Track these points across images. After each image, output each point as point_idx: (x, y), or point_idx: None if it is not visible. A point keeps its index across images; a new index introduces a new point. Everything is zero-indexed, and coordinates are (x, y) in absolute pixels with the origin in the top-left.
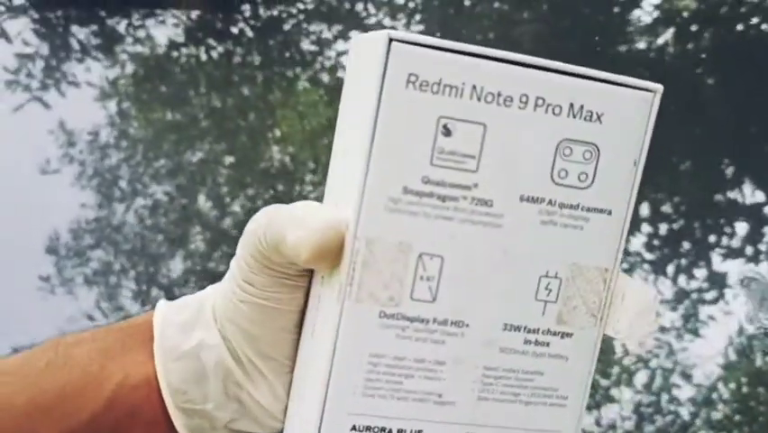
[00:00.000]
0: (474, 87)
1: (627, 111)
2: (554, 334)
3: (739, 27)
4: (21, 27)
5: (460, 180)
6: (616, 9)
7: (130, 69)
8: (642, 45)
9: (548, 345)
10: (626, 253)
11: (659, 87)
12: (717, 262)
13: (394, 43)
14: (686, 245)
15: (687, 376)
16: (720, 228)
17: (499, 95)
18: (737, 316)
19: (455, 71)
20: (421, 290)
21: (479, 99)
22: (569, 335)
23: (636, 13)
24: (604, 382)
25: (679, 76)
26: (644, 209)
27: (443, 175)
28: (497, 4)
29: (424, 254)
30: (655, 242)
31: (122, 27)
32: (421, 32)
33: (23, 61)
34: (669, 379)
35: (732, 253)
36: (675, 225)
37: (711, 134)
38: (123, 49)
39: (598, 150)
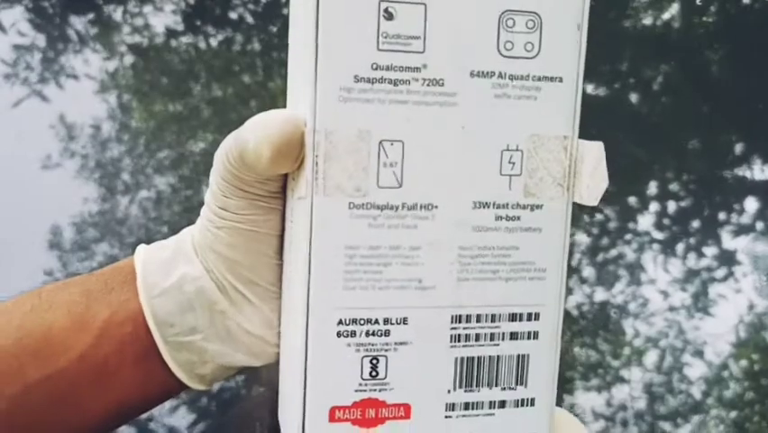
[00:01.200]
0: None
1: None
2: (524, 207)
3: (745, 0)
4: (16, 17)
5: (409, 63)
6: None
7: (129, 60)
8: (647, 21)
9: (519, 219)
10: (635, 232)
11: None
12: (728, 240)
13: None
14: (695, 224)
15: (698, 354)
16: (729, 205)
17: None
18: (747, 293)
19: None
20: (386, 177)
21: None
22: (538, 207)
23: None
24: (614, 363)
25: (685, 51)
26: (652, 188)
27: (392, 59)
28: None
29: (384, 141)
30: (664, 221)
31: (118, 15)
32: None
33: (21, 53)
34: (680, 358)
35: (742, 230)
36: (684, 204)
37: (719, 111)
38: (120, 39)
39: (540, 18)
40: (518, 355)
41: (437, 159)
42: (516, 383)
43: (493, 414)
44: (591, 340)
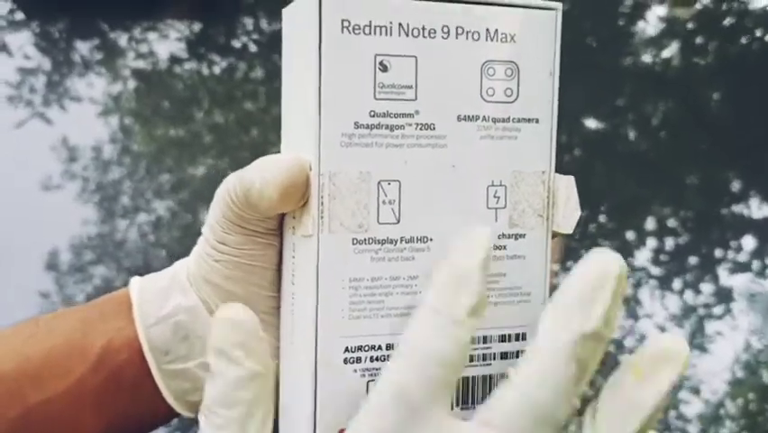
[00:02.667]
0: (401, 24)
1: (536, 29)
2: (509, 237)
3: (743, 40)
4: (22, 41)
5: (402, 110)
6: (620, 22)
7: (132, 84)
8: (647, 58)
9: (505, 248)
10: (632, 267)
11: (559, 5)
12: (725, 277)
13: None
14: (692, 260)
15: (695, 392)
16: (727, 243)
17: (424, 28)
18: (744, 331)
19: (383, 12)
20: (385, 213)
21: (407, 35)
22: (522, 236)
23: (641, 25)
24: None
25: (684, 89)
26: (650, 223)
27: (387, 107)
28: None
29: (382, 181)
30: (662, 256)
31: (123, 41)
32: None
33: (25, 76)
34: (676, 395)
35: (739, 268)
36: (681, 240)
37: (717, 148)
38: (124, 63)
39: (518, 66)
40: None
41: (431, 195)
42: None
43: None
44: None
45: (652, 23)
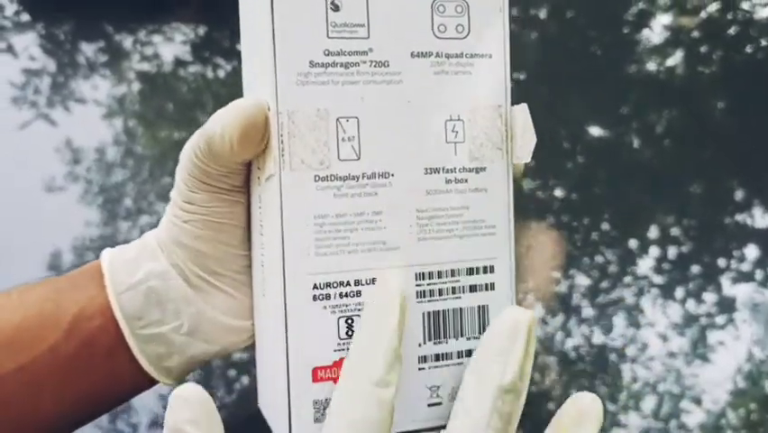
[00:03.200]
0: None
1: None
2: (470, 170)
3: (748, 49)
4: (28, 42)
5: (356, 47)
6: (625, 30)
7: (136, 86)
8: (651, 66)
9: (466, 181)
10: (635, 276)
11: None
12: (727, 287)
13: None
14: (695, 269)
15: (696, 402)
16: (730, 252)
17: None
18: (747, 341)
19: None
20: (346, 150)
21: None
22: (482, 169)
23: (645, 33)
24: (611, 408)
25: (688, 98)
26: (653, 232)
27: (341, 45)
28: None
29: (341, 118)
30: (664, 265)
31: (128, 43)
32: None
33: (30, 77)
34: (677, 404)
35: (742, 278)
36: (684, 249)
37: (721, 157)
38: (129, 66)
39: (467, 3)
40: (479, 306)
41: (389, 131)
42: (479, 332)
43: (462, 363)
44: (589, 383)
45: (656, 31)
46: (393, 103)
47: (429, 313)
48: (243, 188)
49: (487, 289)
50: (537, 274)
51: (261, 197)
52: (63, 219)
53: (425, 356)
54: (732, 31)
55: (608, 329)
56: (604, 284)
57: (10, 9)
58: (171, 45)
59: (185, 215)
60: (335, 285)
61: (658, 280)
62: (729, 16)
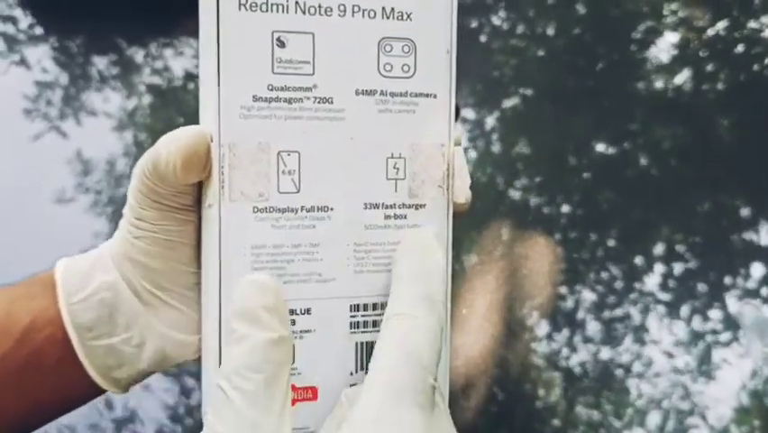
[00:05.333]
0: (297, 2)
1: (432, 8)
2: (409, 207)
3: (755, 67)
4: (41, 55)
5: (301, 84)
6: (632, 48)
7: (147, 99)
8: (659, 84)
9: (405, 217)
10: (640, 292)
11: None
12: (733, 304)
13: None
14: (701, 287)
15: (701, 417)
16: (735, 270)
17: (320, 6)
18: (752, 359)
19: None
20: (286, 183)
21: (303, 12)
22: (422, 206)
23: (653, 51)
24: (617, 424)
25: (695, 116)
26: (659, 249)
27: (285, 81)
28: (513, 41)
29: (282, 152)
30: (670, 282)
31: (140, 57)
32: None
33: (43, 89)
34: (683, 421)
35: (747, 295)
36: (690, 265)
37: (727, 175)
38: (140, 80)
39: (414, 44)
40: None
41: (330, 166)
42: None
43: None
44: (595, 399)
45: (664, 49)
46: (335, 139)
47: (362, 343)
48: (194, 207)
49: None
50: (542, 290)
51: (203, 221)
52: (73, 229)
53: (356, 384)
54: (739, 49)
55: (613, 345)
56: (610, 300)
57: (24, 22)
58: (181, 59)
59: (136, 231)
60: None
61: (664, 297)
62: (736, 35)
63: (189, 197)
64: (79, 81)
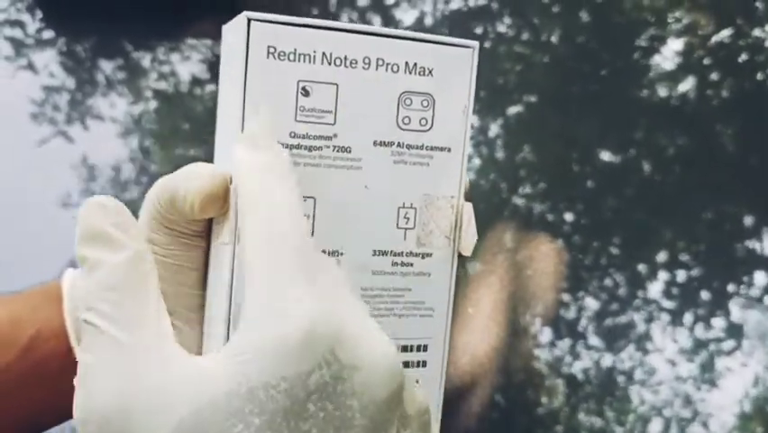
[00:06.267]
0: (324, 53)
1: (453, 65)
2: (416, 255)
3: (759, 76)
4: (48, 59)
5: (321, 132)
6: (636, 55)
7: (153, 105)
8: (663, 92)
9: (412, 265)
10: (644, 300)
11: (475, 44)
12: (736, 312)
13: (253, 23)
14: (704, 294)
15: (703, 425)
16: (739, 278)
17: (346, 58)
18: (754, 367)
19: (307, 42)
20: None
21: (329, 63)
22: (428, 255)
23: (657, 59)
24: (619, 430)
25: (699, 124)
26: (662, 256)
27: (307, 129)
28: (517, 48)
29: None
30: (673, 290)
31: (146, 61)
32: None
33: (50, 94)
34: (685, 429)
35: (751, 304)
36: (693, 273)
37: (731, 183)
38: (147, 84)
39: (433, 99)
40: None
41: (344, 213)
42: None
43: None
44: (597, 406)
45: (668, 57)
46: (351, 187)
47: None
48: (204, 233)
49: (419, 366)
50: (545, 297)
51: (214, 254)
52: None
53: None
54: (743, 57)
55: (616, 353)
56: (613, 307)
57: (32, 27)
58: (188, 64)
59: None
60: None
61: (667, 304)
62: (741, 43)
63: (201, 224)
64: (86, 86)
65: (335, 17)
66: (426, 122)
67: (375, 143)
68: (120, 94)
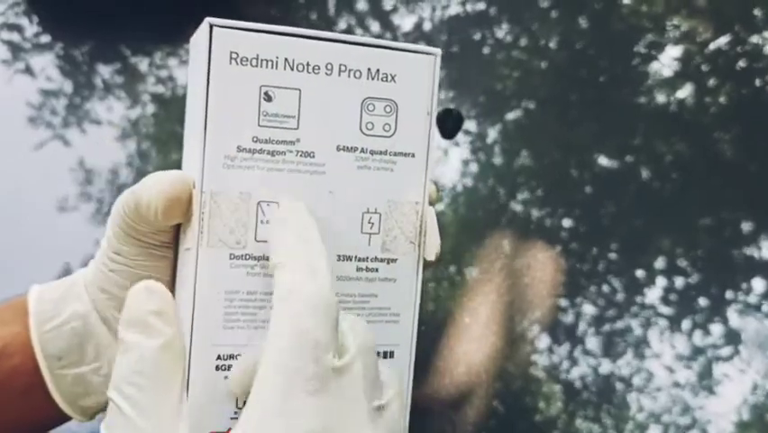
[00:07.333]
0: (287, 59)
1: (415, 72)
2: (381, 261)
3: (757, 82)
4: (45, 63)
5: (284, 137)
6: (634, 62)
7: (151, 109)
8: (661, 98)
9: (377, 270)
10: (642, 306)
11: (438, 51)
12: (734, 319)
13: (215, 29)
14: (702, 301)
15: (702, 432)
16: (737, 284)
17: (308, 64)
18: (752, 373)
19: (270, 48)
20: (263, 232)
21: (292, 69)
22: (393, 260)
23: (655, 66)
24: None
25: (697, 130)
26: (660, 263)
27: (270, 134)
28: (516, 53)
29: (262, 201)
30: (671, 296)
31: (144, 66)
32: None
33: (47, 98)
34: None
35: (749, 310)
36: (691, 280)
37: (729, 189)
38: (144, 88)
39: (396, 105)
40: None
41: None
42: None
43: None
44: (595, 413)
45: (666, 63)
46: (314, 192)
47: None
48: (171, 244)
49: None
50: (543, 303)
51: (179, 262)
52: (74, 238)
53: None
54: (741, 64)
55: (614, 359)
56: (611, 313)
57: (29, 30)
58: (186, 68)
59: (111, 264)
60: (238, 357)
61: (665, 310)
62: (739, 50)
63: (168, 234)
64: (83, 90)
65: (333, 23)
66: (390, 127)
67: (338, 148)
68: (117, 98)
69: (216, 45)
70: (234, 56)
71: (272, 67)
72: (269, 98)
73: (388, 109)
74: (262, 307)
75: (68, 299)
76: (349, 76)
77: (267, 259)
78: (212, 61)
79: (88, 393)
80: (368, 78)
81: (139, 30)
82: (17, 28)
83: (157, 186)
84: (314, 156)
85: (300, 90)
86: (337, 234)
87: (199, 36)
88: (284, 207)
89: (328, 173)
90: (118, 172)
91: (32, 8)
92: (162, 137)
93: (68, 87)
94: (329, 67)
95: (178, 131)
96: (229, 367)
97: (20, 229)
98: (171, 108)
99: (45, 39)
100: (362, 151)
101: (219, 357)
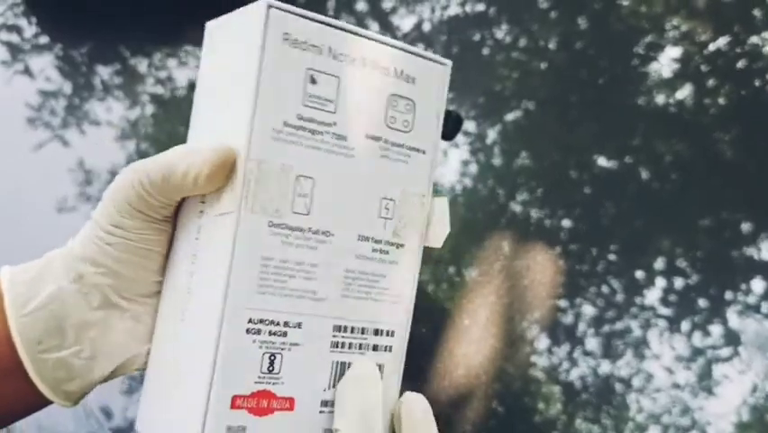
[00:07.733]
0: (330, 48)
1: (432, 77)
2: (392, 244)
3: (756, 83)
4: (45, 64)
5: (324, 119)
6: (634, 62)
7: (150, 109)
8: (660, 99)
9: (388, 252)
10: (641, 307)
11: (449, 62)
12: (734, 320)
13: (272, 9)
14: (701, 302)
15: None
16: (736, 285)
17: (347, 55)
18: (752, 374)
19: (317, 34)
20: (299, 204)
21: (333, 58)
22: (401, 245)
23: (655, 66)
24: None
25: (697, 130)
26: (660, 263)
27: (312, 114)
28: (515, 54)
29: (300, 176)
30: (671, 297)
31: (143, 67)
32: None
33: (46, 98)
34: None
35: (748, 311)
36: (691, 281)
37: (728, 190)
38: (143, 89)
39: (414, 104)
40: (377, 365)
41: (337, 196)
42: None
43: None
44: (594, 414)
45: (665, 64)
46: (345, 173)
47: (337, 363)
48: (172, 218)
49: (386, 350)
50: (542, 303)
51: (203, 228)
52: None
53: (326, 401)
54: (741, 65)
55: (613, 360)
56: (610, 314)
57: (29, 31)
58: (185, 69)
59: (109, 237)
60: (267, 322)
61: (664, 311)
62: (738, 50)
63: (172, 208)
64: (83, 91)
65: None
66: (408, 124)
67: (367, 136)
68: (116, 98)
69: (272, 24)
70: (287, 37)
71: (318, 53)
72: (313, 81)
73: (407, 107)
74: (292, 276)
75: (45, 280)
76: (379, 72)
77: (300, 231)
78: (267, 39)
79: (71, 378)
80: (394, 77)
81: (138, 31)
82: (16, 29)
83: (197, 155)
84: (346, 140)
85: (339, 78)
86: (359, 216)
87: (246, 18)
88: (358, 367)
89: (357, 157)
90: (117, 173)
91: (31, 9)
92: (161, 137)
93: (67, 87)
94: (363, 60)
95: (177, 131)
96: (258, 331)
97: (20, 229)
98: (170, 109)
99: (44, 40)
100: (385, 141)
101: (250, 321)
